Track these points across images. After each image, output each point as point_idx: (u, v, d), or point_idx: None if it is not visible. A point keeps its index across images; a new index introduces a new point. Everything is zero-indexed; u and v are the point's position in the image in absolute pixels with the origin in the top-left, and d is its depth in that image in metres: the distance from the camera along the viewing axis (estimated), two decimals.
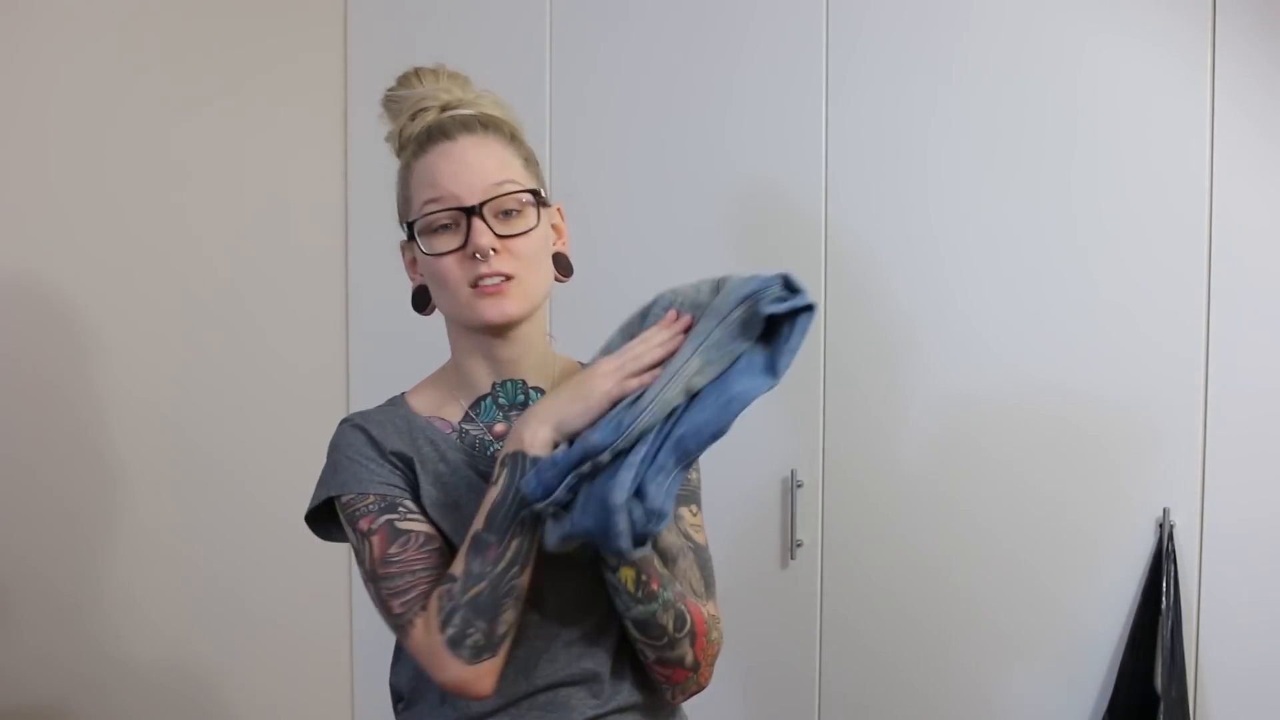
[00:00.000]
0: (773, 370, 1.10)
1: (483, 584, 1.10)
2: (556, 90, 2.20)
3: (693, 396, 1.09)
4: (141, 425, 2.07)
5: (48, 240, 1.95)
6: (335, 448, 1.22)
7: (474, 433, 1.24)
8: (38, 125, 1.93)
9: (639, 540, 1.06)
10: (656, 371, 1.10)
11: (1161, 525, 1.82)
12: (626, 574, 1.15)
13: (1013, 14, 1.90)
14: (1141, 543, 1.84)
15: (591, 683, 1.21)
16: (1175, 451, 1.82)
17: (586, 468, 1.07)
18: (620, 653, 1.23)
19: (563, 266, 1.27)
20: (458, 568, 1.12)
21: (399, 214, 1.26)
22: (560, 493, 1.07)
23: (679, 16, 2.11)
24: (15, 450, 1.92)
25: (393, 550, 1.15)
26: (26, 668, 1.92)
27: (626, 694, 1.23)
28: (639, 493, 1.05)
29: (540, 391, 1.26)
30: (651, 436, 1.07)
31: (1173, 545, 1.80)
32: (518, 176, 1.20)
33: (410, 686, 1.26)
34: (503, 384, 1.25)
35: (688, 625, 1.19)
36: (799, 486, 2.03)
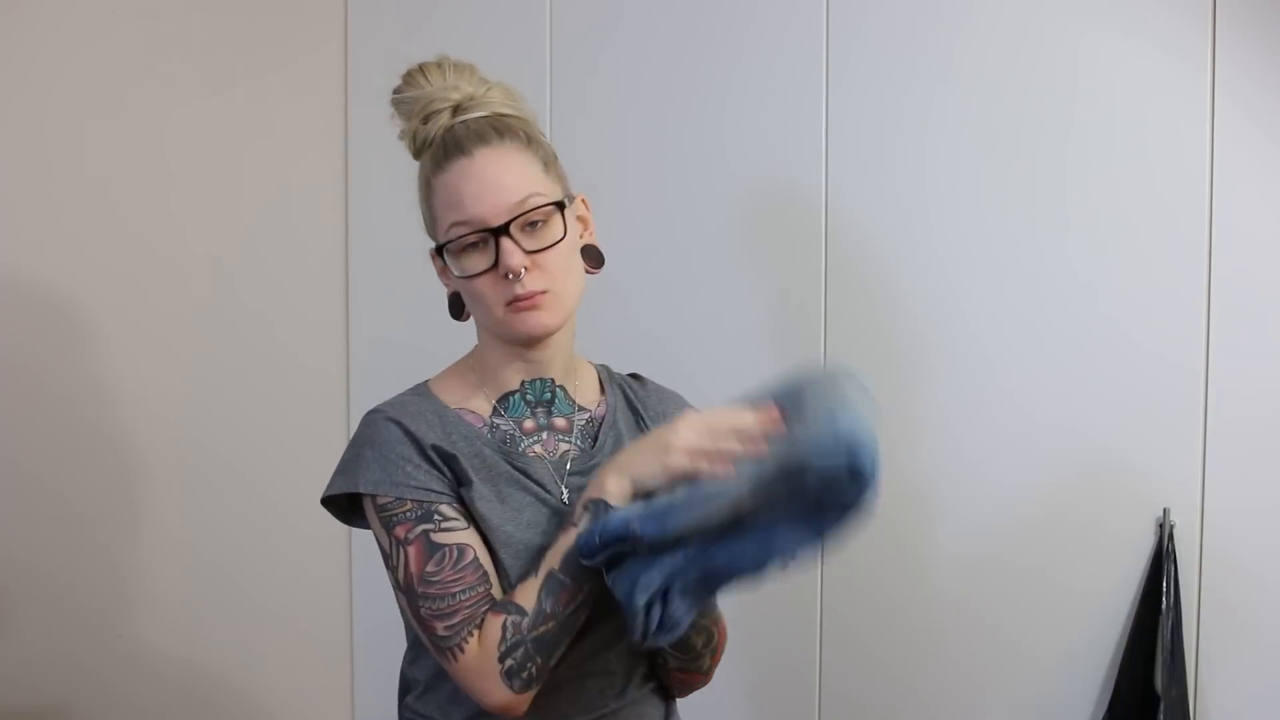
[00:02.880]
0: (811, 543, 1.06)
1: (550, 624, 1.12)
2: (556, 90, 2.20)
3: (735, 522, 1.06)
4: (144, 425, 2.07)
5: (46, 241, 1.95)
6: (370, 442, 1.19)
7: (504, 428, 1.25)
8: (34, 125, 1.93)
9: (645, 638, 1.08)
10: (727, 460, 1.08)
11: (1161, 525, 1.81)
12: None
13: (1012, 13, 1.90)
14: (1141, 543, 1.84)
15: (608, 676, 1.25)
16: (1175, 451, 1.82)
17: (627, 547, 1.07)
18: (633, 649, 1.26)
19: (593, 258, 1.27)
20: (527, 601, 1.12)
21: (425, 226, 1.26)
22: (598, 560, 1.08)
23: (679, 16, 2.11)
24: (18, 450, 1.92)
25: (430, 569, 1.15)
26: (30, 666, 1.92)
27: (639, 688, 1.28)
28: (665, 596, 1.07)
29: (564, 390, 1.28)
30: (689, 548, 1.06)
31: (1173, 545, 1.80)
32: (539, 186, 1.20)
33: (430, 675, 1.26)
34: (531, 382, 1.26)
35: (713, 642, 1.30)
36: None
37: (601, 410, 1.32)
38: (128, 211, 2.05)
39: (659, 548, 1.06)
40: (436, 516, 1.16)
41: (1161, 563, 1.79)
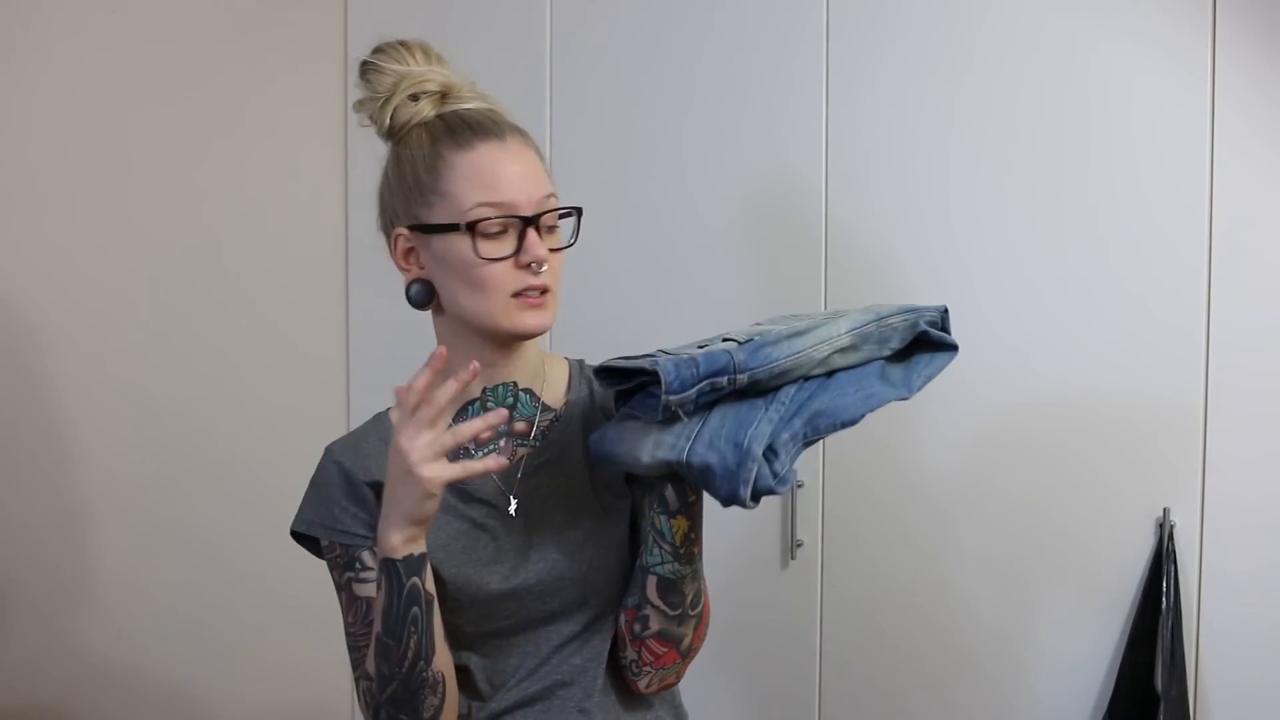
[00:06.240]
0: (908, 385, 1.14)
1: (394, 684, 1.13)
2: (556, 90, 2.20)
3: (829, 374, 1.11)
4: (145, 419, 2.07)
5: (45, 236, 1.95)
6: (313, 481, 1.24)
7: None
8: (34, 124, 1.94)
9: (756, 495, 1.06)
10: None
11: (1161, 525, 1.82)
12: (680, 525, 1.16)
13: (1012, 16, 1.90)
14: (1141, 543, 1.84)
15: (580, 681, 1.23)
16: (1175, 451, 1.82)
17: (723, 383, 1.07)
18: (610, 651, 1.24)
19: None
20: (371, 666, 1.14)
21: (408, 201, 1.20)
22: (691, 394, 1.06)
23: (679, 16, 2.11)
24: (12, 450, 1.92)
25: (349, 619, 1.19)
26: (30, 666, 1.93)
27: (610, 689, 1.24)
28: (770, 450, 1.07)
29: (530, 393, 1.25)
30: (787, 395, 1.09)
31: (1173, 545, 1.80)
32: (553, 189, 1.21)
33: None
34: (493, 389, 1.24)
35: (700, 607, 1.22)
36: (799, 486, 2.03)
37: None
38: (129, 211, 2.05)
39: (755, 388, 1.07)
40: (357, 564, 1.19)
41: (1161, 563, 1.79)
